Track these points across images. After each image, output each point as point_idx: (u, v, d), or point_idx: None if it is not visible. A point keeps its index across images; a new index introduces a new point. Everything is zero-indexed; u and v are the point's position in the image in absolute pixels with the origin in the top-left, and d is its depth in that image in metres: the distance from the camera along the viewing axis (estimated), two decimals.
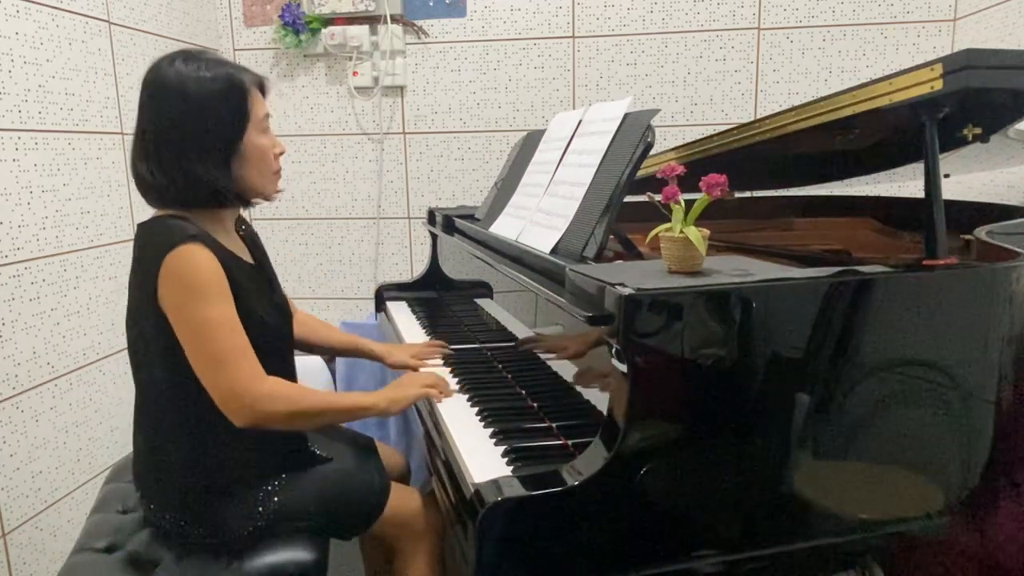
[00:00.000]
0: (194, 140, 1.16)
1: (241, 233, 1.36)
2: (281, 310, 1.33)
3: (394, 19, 2.52)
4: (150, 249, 1.15)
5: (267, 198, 1.28)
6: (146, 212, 1.26)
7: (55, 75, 1.81)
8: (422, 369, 1.53)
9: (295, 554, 1.23)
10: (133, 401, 1.30)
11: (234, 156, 1.19)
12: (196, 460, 1.22)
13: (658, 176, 1.09)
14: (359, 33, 2.53)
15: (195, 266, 1.12)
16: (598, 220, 1.25)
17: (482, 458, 1.10)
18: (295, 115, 2.68)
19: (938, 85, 1.08)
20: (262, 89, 1.24)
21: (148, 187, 1.20)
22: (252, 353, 1.16)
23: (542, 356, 1.40)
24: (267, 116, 1.24)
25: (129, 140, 2.12)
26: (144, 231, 1.20)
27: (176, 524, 1.23)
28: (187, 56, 1.17)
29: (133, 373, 1.26)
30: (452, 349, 1.63)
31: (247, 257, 1.31)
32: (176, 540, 1.24)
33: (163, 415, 1.22)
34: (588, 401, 1.17)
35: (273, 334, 1.25)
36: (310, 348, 1.61)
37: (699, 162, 1.60)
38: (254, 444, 1.25)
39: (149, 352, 1.21)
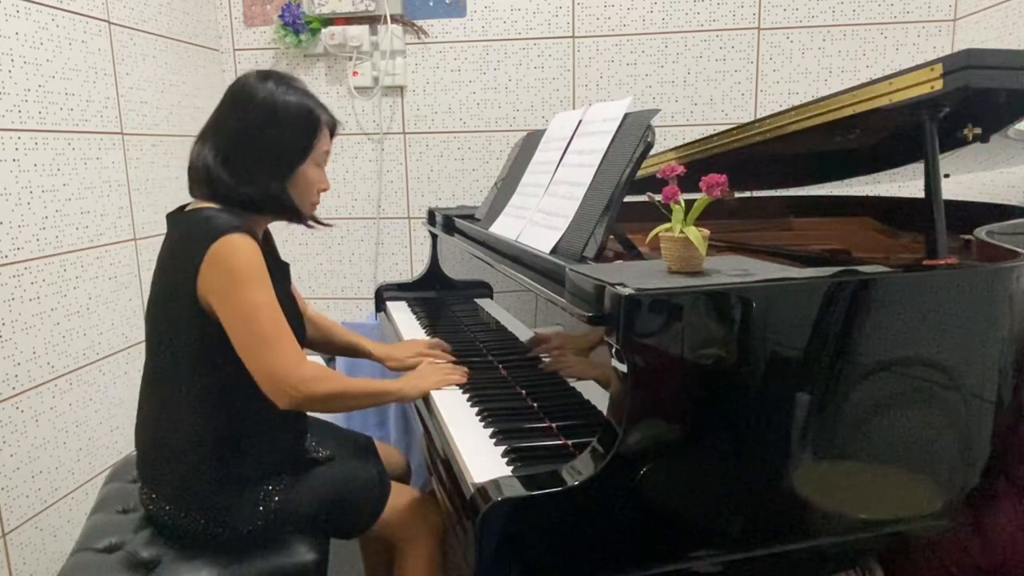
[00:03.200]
0: (264, 151, 1.25)
1: None
2: (296, 308, 1.35)
3: (394, 19, 2.52)
4: (191, 238, 1.19)
5: (298, 220, 1.35)
6: (146, 212, 1.27)
7: (55, 75, 1.81)
8: (434, 361, 1.55)
9: (295, 554, 1.24)
10: (135, 401, 1.30)
11: (288, 177, 1.27)
12: (203, 450, 1.23)
13: (658, 176, 1.09)
14: (359, 33, 2.53)
15: (242, 253, 1.17)
16: (598, 220, 1.25)
17: (482, 458, 1.10)
18: None
19: (938, 85, 1.08)
20: (332, 130, 1.34)
21: (211, 180, 1.25)
22: (293, 337, 1.21)
23: (544, 358, 1.40)
24: (327, 154, 1.33)
25: (129, 140, 2.13)
26: (182, 220, 1.25)
27: (176, 516, 1.24)
28: (279, 78, 1.28)
29: (148, 358, 1.28)
30: (453, 351, 1.63)
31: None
32: (176, 535, 1.25)
33: (177, 404, 1.24)
34: (588, 401, 1.17)
35: (292, 328, 1.27)
36: (313, 344, 1.64)
37: (699, 162, 1.60)
38: (257, 441, 1.26)
39: (173, 340, 1.23)
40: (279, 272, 1.34)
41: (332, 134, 1.34)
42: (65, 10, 1.85)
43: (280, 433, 1.29)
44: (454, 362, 1.56)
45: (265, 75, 1.28)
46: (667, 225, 1.07)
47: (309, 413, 1.42)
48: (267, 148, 1.25)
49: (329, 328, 1.64)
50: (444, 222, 2.08)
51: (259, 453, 1.27)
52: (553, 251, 1.33)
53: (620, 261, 1.38)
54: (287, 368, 1.17)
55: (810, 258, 1.44)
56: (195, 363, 1.22)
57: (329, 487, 1.31)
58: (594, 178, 1.33)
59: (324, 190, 1.36)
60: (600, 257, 1.22)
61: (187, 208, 1.28)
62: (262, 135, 1.24)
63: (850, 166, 1.73)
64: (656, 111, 1.30)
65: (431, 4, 2.55)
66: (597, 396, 1.13)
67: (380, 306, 2.25)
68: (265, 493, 1.25)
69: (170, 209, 1.32)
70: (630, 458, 0.93)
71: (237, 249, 1.17)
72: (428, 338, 1.77)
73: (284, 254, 2.90)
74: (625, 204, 1.26)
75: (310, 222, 1.41)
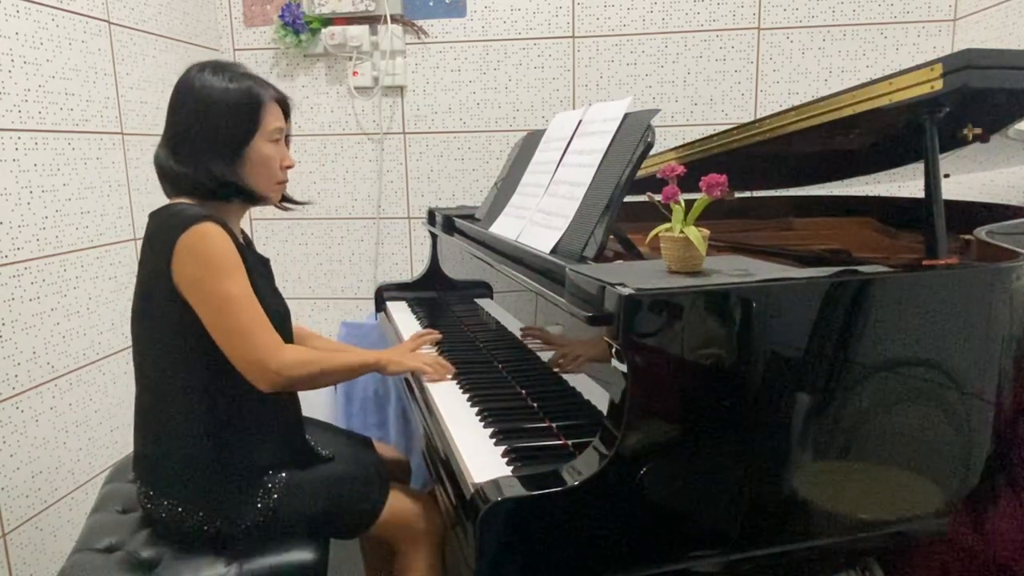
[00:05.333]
0: (208, 138, 1.26)
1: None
2: (282, 305, 1.35)
3: (394, 19, 2.52)
4: (163, 230, 1.21)
5: (268, 202, 1.36)
6: (146, 212, 1.28)
7: (55, 75, 1.81)
8: (424, 349, 1.62)
9: (295, 554, 1.24)
10: (133, 401, 1.30)
11: (239, 158, 1.28)
12: (199, 443, 1.23)
13: (658, 176, 1.09)
14: (359, 33, 2.53)
15: (211, 242, 1.18)
16: (598, 220, 1.25)
17: (482, 458, 1.10)
18: (295, 115, 2.67)
19: (938, 85, 1.08)
20: (283, 106, 1.34)
21: (166, 175, 1.28)
22: (269, 323, 1.23)
23: (542, 357, 1.40)
24: (280, 129, 1.32)
25: (129, 140, 2.13)
26: (156, 216, 1.27)
27: (174, 511, 1.24)
28: (216, 67, 1.29)
29: (137, 359, 1.29)
30: (452, 351, 1.63)
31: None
32: (175, 532, 1.25)
33: (169, 399, 1.24)
34: (588, 401, 1.17)
35: (275, 325, 1.27)
36: None
37: (699, 162, 1.60)
38: (252, 432, 1.27)
39: (158, 334, 1.24)
40: (260, 267, 1.35)
41: (285, 111, 1.35)
42: (65, 10, 1.85)
43: (274, 422, 1.31)
44: (453, 361, 1.56)
45: (203, 66, 1.29)
46: (667, 225, 1.07)
47: (308, 414, 1.42)
48: (209, 133, 1.26)
49: (314, 342, 1.61)
50: (444, 222, 2.08)
51: (255, 444, 1.27)
52: (553, 251, 1.33)
53: (620, 261, 1.38)
54: (265, 356, 1.20)
55: (810, 258, 1.43)
56: (181, 355, 1.23)
57: (329, 487, 1.31)
58: (594, 178, 1.33)
59: (288, 167, 1.36)
60: (600, 257, 1.22)
61: (164, 204, 1.30)
62: (203, 121, 1.26)
63: (850, 166, 1.73)
64: (656, 111, 1.30)
65: (431, 4, 2.55)
66: (597, 396, 1.13)
67: (380, 306, 2.25)
68: (264, 490, 1.25)
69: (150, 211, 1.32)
70: (630, 458, 0.93)
71: (207, 237, 1.18)
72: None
73: (284, 254, 2.89)
74: (625, 204, 1.26)
75: (284, 203, 1.42)
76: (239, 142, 1.27)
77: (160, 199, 1.31)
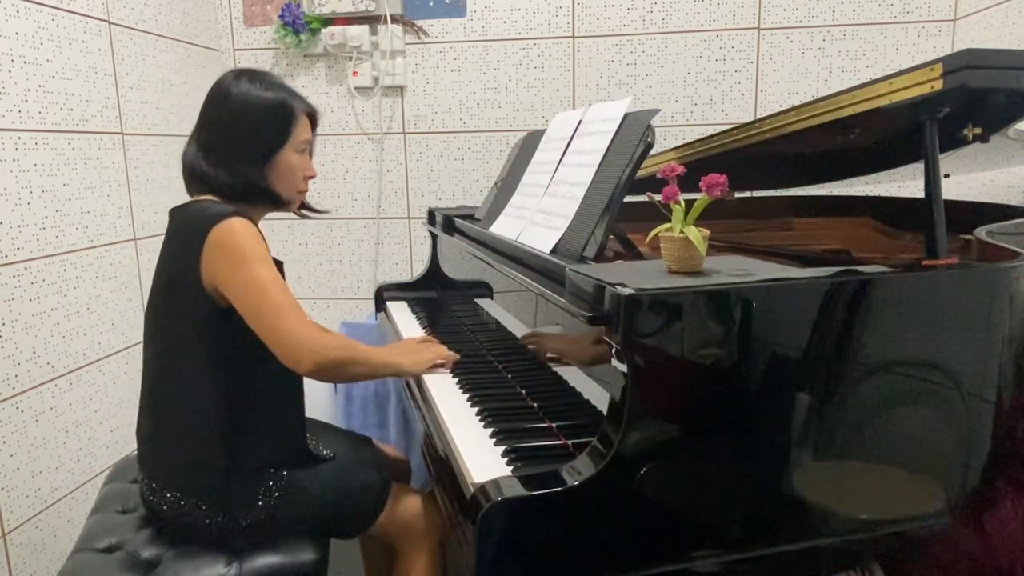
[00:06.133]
0: (240, 142, 1.31)
1: None
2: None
3: (394, 19, 2.52)
4: (191, 226, 1.24)
5: (288, 208, 1.41)
6: (146, 212, 1.27)
7: (55, 75, 1.81)
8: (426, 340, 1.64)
9: (295, 554, 1.24)
10: (135, 400, 1.31)
11: (268, 164, 1.32)
12: (206, 437, 1.24)
13: (658, 176, 1.09)
14: (359, 33, 2.53)
15: (241, 234, 1.21)
16: (598, 220, 1.25)
17: (482, 458, 1.10)
18: None
19: (938, 85, 1.08)
20: (312, 119, 1.39)
21: (194, 174, 1.32)
22: (302, 309, 1.25)
23: (542, 357, 1.40)
24: (307, 141, 1.37)
25: (129, 140, 2.13)
26: (181, 212, 1.30)
27: (177, 505, 1.24)
28: (253, 75, 1.34)
29: (150, 352, 1.30)
30: (446, 343, 1.63)
31: None
32: (176, 528, 1.26)
33: (181, 393, 1.25)
34: (588, 401, 1.17)
35: None
36: None
37: (699, 162, 1.60)
38: (262, 434, 1.28)
39: (177, 328, 1.26)
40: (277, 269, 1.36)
41: (313, 124, 1.39)
42: (65, 10, 1.85)
43: (281, 421, 1.31)
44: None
45: (239, 73, 1.34)
46: (667, 225, 1.07)
47: (308, 414, 1.42)
48: (243, 137, 1.30)
49: None
50: (444, 222, 2.08)
51: (260, 442, 1.28)
52: (553, 251, 1.33)
53: (620, 261, 1.39)
54: (308, 334, 1.21)
55: (810, 258, 1.44)
56: (198, 351, 1.24)
57: (329, 487, 1.31)
58: (594, 178, 1.33)
59: (310, 177, 1.40)
60: (600, 257, 1.22)
61: (188, 201, 1.33)
62: (238, 127, 1.30)
63: (850, 166, 1.73)
64: (656, 111, 1.30)
65: (431, 4, 2.55)
66: (597, 396, 1.13)
67: (380, 306, 2.25)
68: (266, 488, 1.25)
69: (171, 208, 1.34)
70: (630, 458, 0.93)
71: (237, 231, 1.21)
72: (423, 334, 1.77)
73: (284, 254, 2.89)
74: (625, 204, 1.26)
75: (302, 211, 1.47)
76: (270, 149, 1.31)
77: (159, 199, 1.32)
